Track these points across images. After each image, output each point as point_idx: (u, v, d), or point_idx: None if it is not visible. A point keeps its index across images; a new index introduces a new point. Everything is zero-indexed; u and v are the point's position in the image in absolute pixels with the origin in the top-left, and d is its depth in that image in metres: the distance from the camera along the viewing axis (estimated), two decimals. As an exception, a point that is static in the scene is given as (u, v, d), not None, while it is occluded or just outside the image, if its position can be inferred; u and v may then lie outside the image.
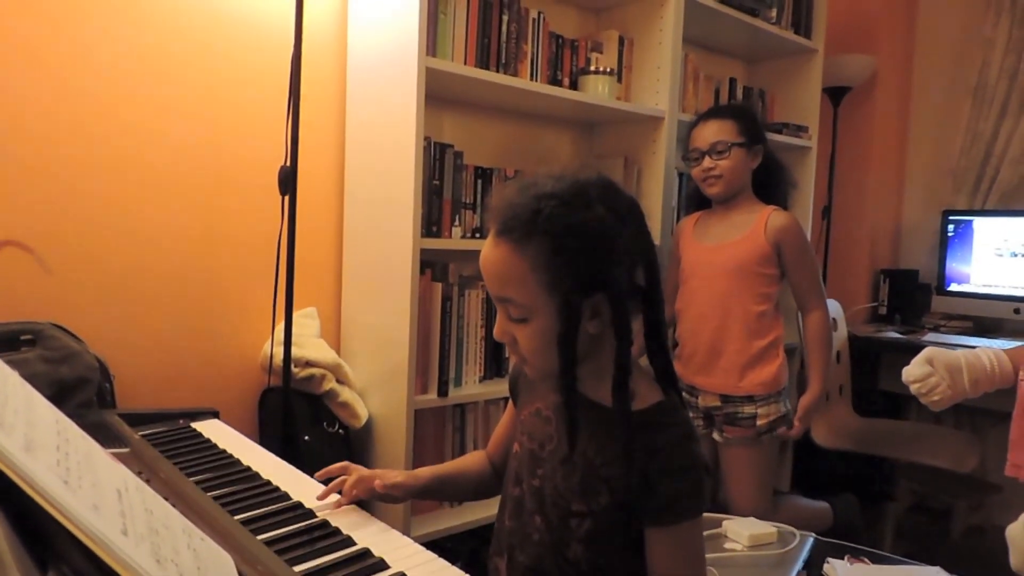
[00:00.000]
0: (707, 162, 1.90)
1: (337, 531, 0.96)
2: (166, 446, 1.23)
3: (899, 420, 2.99)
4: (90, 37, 1.51)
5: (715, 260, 1.93)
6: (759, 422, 1.92)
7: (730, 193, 1.93)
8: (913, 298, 3.16)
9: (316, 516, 1.00)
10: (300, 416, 1.66)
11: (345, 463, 1.13)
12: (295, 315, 1.77)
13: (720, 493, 2.18)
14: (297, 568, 0.83)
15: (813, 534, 1.71)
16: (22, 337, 1.39)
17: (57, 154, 1.49)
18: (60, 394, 1.34)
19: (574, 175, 0.92)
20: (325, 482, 1.11)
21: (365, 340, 1.83)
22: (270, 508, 1.01)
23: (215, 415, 1.45)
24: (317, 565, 0.85)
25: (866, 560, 1.57)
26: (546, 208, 0.87)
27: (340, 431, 1.71)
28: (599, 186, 0.91)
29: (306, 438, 1.65)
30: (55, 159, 1.49)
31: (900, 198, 3.40)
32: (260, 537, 0.90)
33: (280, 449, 1.64)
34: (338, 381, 1.71)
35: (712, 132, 1.91)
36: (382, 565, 0.87)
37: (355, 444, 1.76)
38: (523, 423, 1.06)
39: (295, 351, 1.65)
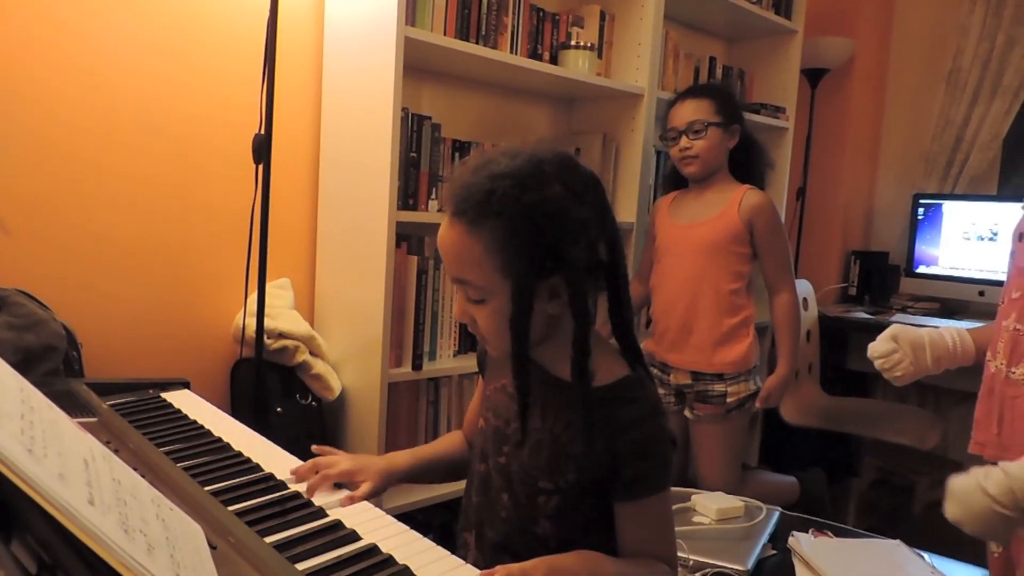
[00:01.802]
0: (684, 141, 1.91)
1: (309, 503, 0.95)
2: (135, 416, 1.21)
3: (866, 398, 3.06)
4: (59, 5, 1.46)
5: (688, 238, 1.94)
6: (728, 400, 1.95)
7: (707, 172, 1.93)
8: (882, 279, 3.21)
9: (288, 488, 0.99)
10: (272, 388, 1.65)
11: (334, 456, 1.08)
12: (268, 286, 1.75)
13: (690, 469, 2.21)
14: (268, 539, 0.83)
15: (779, 508, 1.75)
16: (-14, 303, 1.36)
17: (23, 117, 1.45)
18: (26, 362, 1.31)
19: (531, 152, 0.89)
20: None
21: (339, 312, 1.82)
22: (241, 480, 1.00)
23: (185, 385, 1.43)
24: (289, 536, 0.85)
25: (829, 534, 1.61)
26: (500, 189, 0.85)
27: (313, 403, 1.70)
28: (556, 163, 0.89)
29: (278, 410, 1.64)
30: (20, 122, 1.45)
31: (873, 180, 3.45)
32: (231, 508, 0.90)
33: (252, 421, 1.63)
34: (311, 353, 1.70)
35: (689, 111, 1.91)
36: (354, 536, 0.87)
37: (328, 417, 1.76)
38: (488, 399, 1.05)
39: (268, 322, 1.63)
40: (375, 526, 0.91)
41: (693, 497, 1.72)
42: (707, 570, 1.43)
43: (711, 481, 2.02)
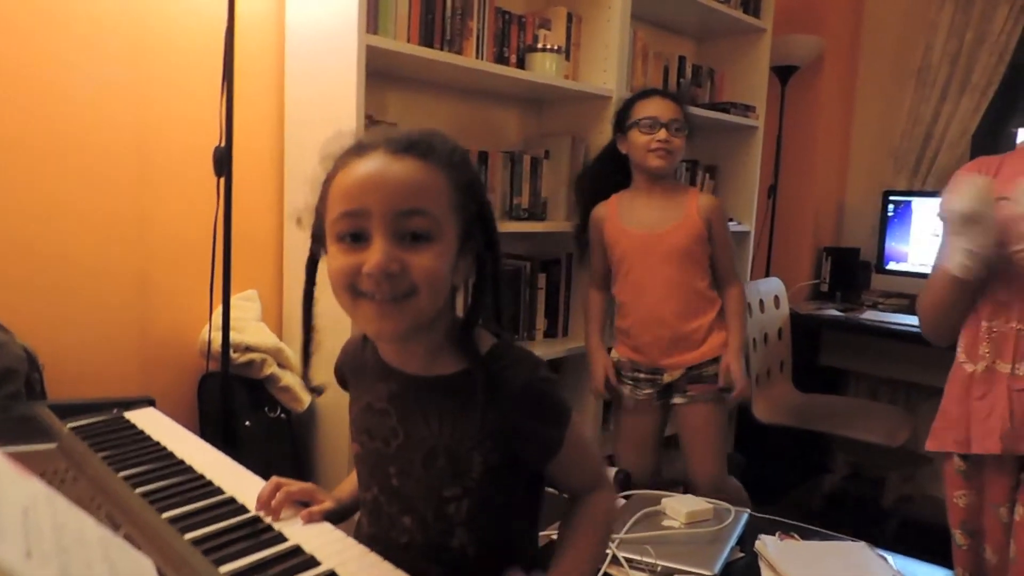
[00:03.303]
0: (664, 133, 1.90)
1: (268, 527, 0.95)
2: (96, 439, 1.20)
3: (837, 396, 3.09)
4: (9, 10, 1.43)
5: (657, 249, 1.93)
6: (721, 379, 2.00)
7: (671, 171, 1.96)
8: (854, 276, 3.25)
9: (248, 511, 0.99)
10: (240, 402, 1.64)
11: (277, 481, 1.02)
12: (234, 298, 1.74)
13: (678, 462, 2.23)
14: (223, 568, 0.82)
15: (748, 510, 1.77)
16: (-58, 326, 1.34)
17: (-25, 132, 1.42)
18: (-16, 385, 1.30)
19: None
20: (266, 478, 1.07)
21: (308, 323, 1.81)
22: (201, 504, 1.00)
23: (151, 403, 1.42)
24: (244, 565, 0.84)
25: (796, 536, 1.63)
26: (437, 140, 0.86)
27: (282, 415, 1.70)
28: None
29: (247, 424, 1.63)
30: (-27, 137, 1.42)
31: (844, 177, 3.48)
32: (188, 536, 0.89)
33: (220, 436, 1.62)
34: (279, 365, 1.69)
35: (672, 109, 1.93)
36: (312, 563, 0.87)
37: (298, 429, 1.75)
38: (355, 422, 1.00)
39: (234, 336, 1.62)
40: (335, 549, 0.91)
41: (663, 501, 1.74)
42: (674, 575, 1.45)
43: (702, 468, 2.04)
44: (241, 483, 1.08)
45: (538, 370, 0.90)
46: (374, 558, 0.90)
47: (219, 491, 1.05)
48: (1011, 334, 1.36)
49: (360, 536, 0.99)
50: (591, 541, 0.99)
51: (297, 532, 0.95)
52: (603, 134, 2.22)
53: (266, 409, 1.67)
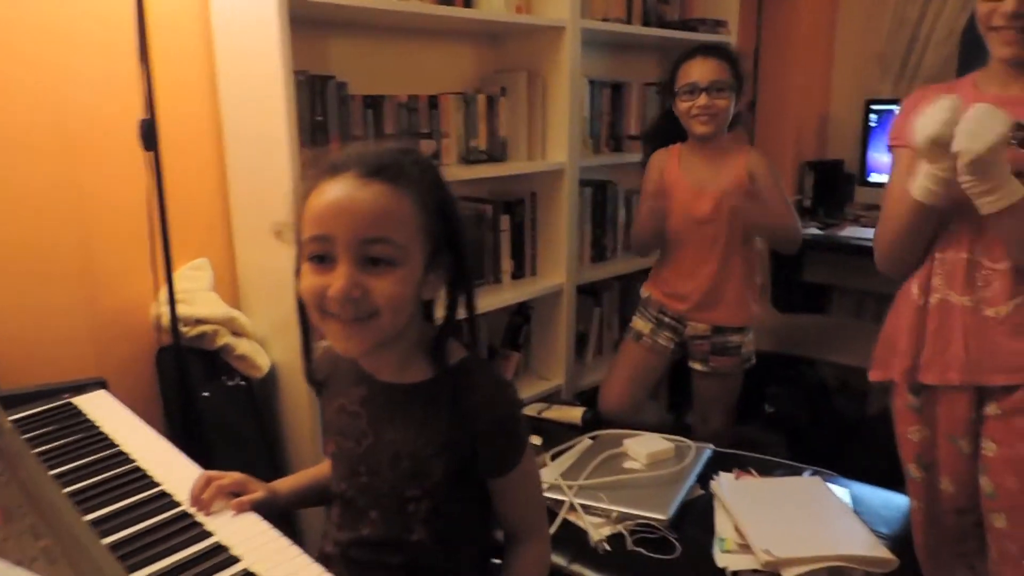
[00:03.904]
0: (704, 99, 1.89)
1: (194, 523, 0.96)
2: (37, 433, 1.20)
3: (820, 315, 3.08)
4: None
5: (703, 206, 1.97)
6: (743, 350, 2.06)
7: (718, 132, 1.94)
8: (836, 189, 3.17)
9: (178, 506, 1.00)
10: (196, 373, 1.65)
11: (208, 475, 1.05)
12: (184, 269, 1.72)
13: (689, 415, 2.30)
14: (137, 574, 0.84)
15: (711, 446, 1.79)
16: None
17: None
18: (-73, 381, 1.30)
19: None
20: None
21: (262, 287, 1.80)
22: (130, 501, 1.01)
23: (102, 385, 1.42)
24: (159, 569, 0.86)
25: (753, 472, 1.66)
26: (408, 159, 0.89)
27: (242, 383, 1.71)
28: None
29: (205, 394, 1.64)
30: None
31: (827, 86, 3.35)
32: (107, 540, 0.91)
33: (179, 409, 1.64)
34: (234, 334, 1.69)
35: (712, 70, 1.90)
36: (230, 562, 0.88)
37: (259, 394, 1.76)
38: (330, 422, 1.05)
39: (184, 309, 1.61)
40: (258, 543, 0.92)
41: (625, 442, 1.76)
42: (628, 522, 1.48)
43: (714, 427, 2.14)
44: (178, 473, 1.09)
45: (505, 388, 0.97)
46: (294, 551, 0.91)
47: (152, 484, 1.06)
48: (961, 264, 1.32)
49: (330, 525, 1.06)
50: None
51: (223, 527, 0.96)
52: (559, 66, 2.13)
53: (223, 378, 1.68)
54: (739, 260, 2.01)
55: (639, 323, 2.16)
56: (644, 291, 2.18)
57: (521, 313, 2.31)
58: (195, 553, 0.89)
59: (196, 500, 1.00)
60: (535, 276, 2.32)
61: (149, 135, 1.48)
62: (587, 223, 2.47)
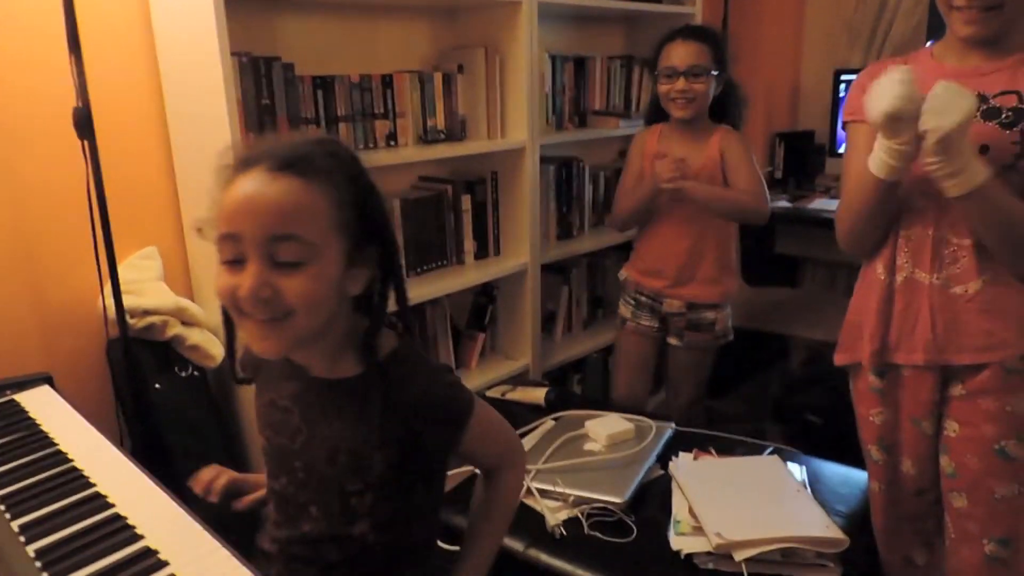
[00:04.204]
0: (682, 83, 1.90)
1: (125, 526, 0.94)
2: (-26, 433, 1.18)
3: (790, 288, 3.08)
4: None
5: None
6: (717, 327, 2.07)
7: (697, 116, 1.95)
8: (807, 160, 3.16)
9: (111, 507, 0.98)
10: (148, 365, 1.62)
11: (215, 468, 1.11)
12: (131, 259, 1.69)
13: (664, 390, 2.32)
14: (65, 582, 0.82)
15: (672, 426, 1.79)
16: None
17: None
18: None
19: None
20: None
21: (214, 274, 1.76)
22: (63, 503, 0.99)
23: (47, 380, 1.39)
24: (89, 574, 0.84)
25: (712, 452, 1.66)
26: (321, 150, 0.85)
27: (195, 373, 1.68)
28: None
29: (156, 387, 1.62)
30: None
31: (798, 57, 3.31)
32: (33, 546, 0.89)
33: (131, 402, 1.62)
34: (184, 324, 1.65)
35: (691, 54, 1.90)
36: (156, 567, 0.86)
37: (215, 384, 1.74)
38: (260, 416, 1.02)
39: (131, 300, 1.57)
40: (190, 544, 0.91)
41: (586, 424, 1.75)
42: (584, 506, 1.48)
43: (682, 401, 2.17)
44: (114, 472, 1.07)
45: (437, 375, 0.96)
46: (223, 555, 0.89)
47: (88, 484, 1.04)
48: (927, 241, 1.30)
49: (268, 522, 1.04)
50: (498, 528, 1.09)
51: (154, 529, 0.94)
52: (517, 42, 2.08)
53: (176, 369, 1.65)
54: (714, 237, 2.02)
55: (621, 309, 2.18)
56: (622, 274, 2.19)
57: (486, 293, 2.29)
58: (122, 558, 0.88)
59: (204, 485, 1.08)
60: (499, 256, 2.29)
61: (83, 123, 1.43)
62: (552, 201, 2.44)
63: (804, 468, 1.58)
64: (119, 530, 0.94)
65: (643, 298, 2.11)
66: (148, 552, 0.89)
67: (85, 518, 0.96)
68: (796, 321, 2.55)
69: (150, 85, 1.68)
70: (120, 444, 1.65)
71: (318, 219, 0.82)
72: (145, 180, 1.71)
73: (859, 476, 1.57)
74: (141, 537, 0.92)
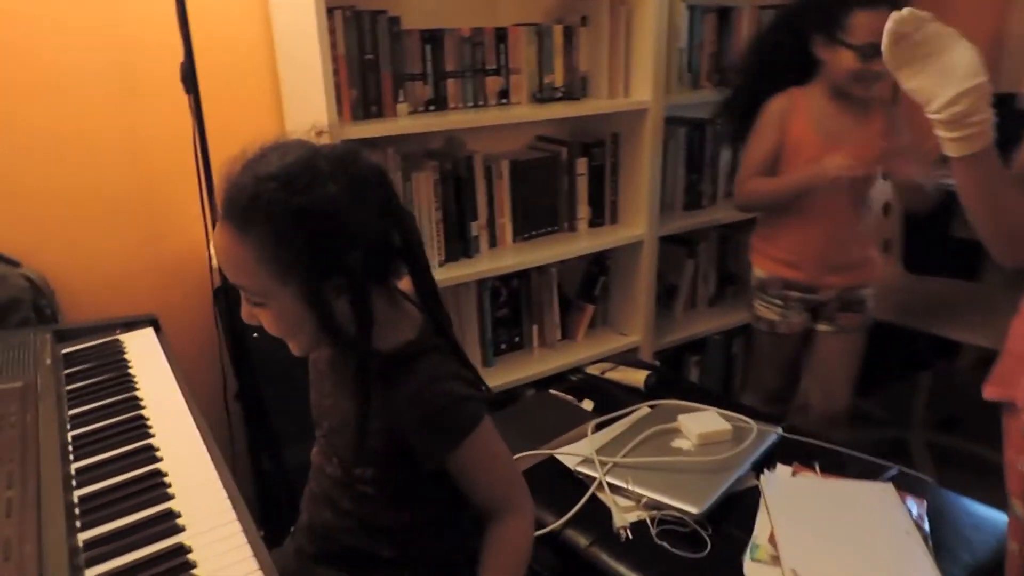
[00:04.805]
0: (880, 64, 1.59)
1: (162, 483, 0.97)
2: (76, 369, 1.27)
3: (968, 281, 2.63)
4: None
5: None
6: (868, 305, 1.90)
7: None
8: (1005, 129, 2.66)
9: (158, 460, 1.02)
10: (248, 314, 1.68)
11: None
12: (240, 210, 1.75)
13: (800, 389, 2.10)
14: (84, 535, 0.86)
15: (778, 430, 1.60)
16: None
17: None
18: (-8, 318, 1.41)
19: (306, 148, 0.86)
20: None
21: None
22: (117, 451, 1.04)
23: (152, 323, 1.49)
24: (105, 532, 0.86)
25: (816, 468, 1.46)
26: (265, 192, 0.81)
27: (293, 325, 1.73)
28: (333, 158, 0.85)
29: (255, 335, 1.68)
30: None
31: (1006, 8, 2.78)
32: (78, 492, 0.94)
33: (231, 348, 1.70)
34: (284, 278, 1.70)
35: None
36: (171, 531, 0.88)
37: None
38: (310, 370, 1.09)
39: (234, 251, 1.63)
40: (218, 510, 0.91)
41: (679, 418, 1.61)
42: (656, 511, 1.36)
43: (832, 399, 1.95)
44: (174, 423, 1.12)
45: (440, 381, 0.91)
46: (238, 535, 0.88)
47: (147, 435, 1.08)
48: None
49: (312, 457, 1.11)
50: None
51: (186, 491, 0.96)
52: (647, -9, 1.89)
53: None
54: (863, 217, 1.81)
55: (762, 311, 1.93)
56: (758, 272, 1.93)
57: (598, 263, 2.17)
58: (146, 517, 0.90)
59: None
60: (615, 224, 2.15)
61: (188, 77, 1.47)
62: (680, 167, 2.24)
63: (925, 502, 1.35)
64: (154, 486, 0.97)
65: (792, 293, 1.88)
66: (169, 514, 0.91)
67: (131, 470, 1.00)
68: (964, 321, 2.18)
69: (264, 39, 1.71)
70: (224, 387, 1.78)
71: (255, 273, 0.84)
72: (257, 134, 1.75)
73: (1000, 520, 1.31)
74: (170, 497, 0.94)
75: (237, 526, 0.90)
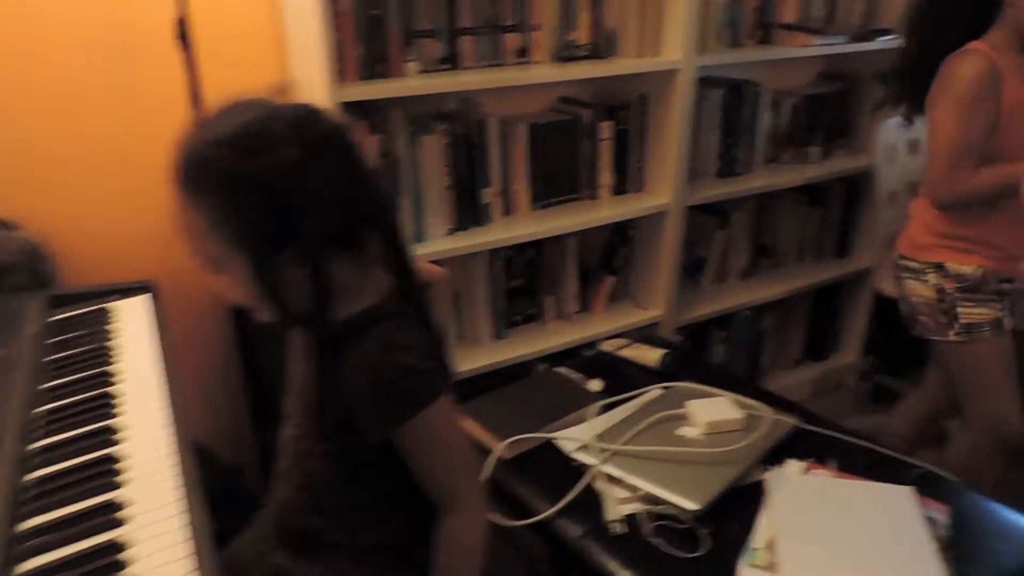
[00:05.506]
0: None
1: (111, 470, 0.93)
2: (58, 339, 1.25)
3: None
4: None
5: None
6: None
7: None
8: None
9: (115, 444, 0.98)
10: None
11: None
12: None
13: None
14: (25, 524, 0.83)
15: (793, 421, 1.49)
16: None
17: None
18: (-13, 281, 1.40)
19: (261, 109, 0.81)
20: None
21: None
22: (77, 431, 1.01)
23: (147, 290, 1.46)
24: (46, 522, 0.83)
25: (834, 466, 1.35)
26: (216, 158, 0.80)
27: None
28: (289, 120, 0.81)
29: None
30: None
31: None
32: (28, 477, 0.91)
33: (231, 317, 1.67)
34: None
35: None
36: (115, 523, 0.84)
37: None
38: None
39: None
40: (160, 503, 0.88)
41: (688, 403, 1.51)
42: (654, 504, 1.28)
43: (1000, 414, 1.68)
44: (145, 403, 1.08)
45: (394, 352, 0.86)
46: (180, 530, 0.84)
47: (108, 415, 1.05)
48: None
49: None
50: None
51: (140, 478, 0.92)
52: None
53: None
54: None
55: (983, 312, 1.65)
56: (965, 268, 1.64)
57: (620, 233, 2.06)
58: (88, 507, 0.86)
59: None
60: (640, 192, 2.03)
61: (184, 34, 1.42)
62: (715, 131, 2.09)
63: (949, 508, 1.23)
64: (104, 472, 0.93)
65: (1006, 285, 1.66)
66: (110, 506, 0.87)
67: (87, 452, 0.97)
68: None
69: (267, -3, 1.63)
70: (228, 355, 1.76)
71: (207, 240, 0.82)
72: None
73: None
74: (117, 486, 0.91)
75: (184, 519, 0.85)
